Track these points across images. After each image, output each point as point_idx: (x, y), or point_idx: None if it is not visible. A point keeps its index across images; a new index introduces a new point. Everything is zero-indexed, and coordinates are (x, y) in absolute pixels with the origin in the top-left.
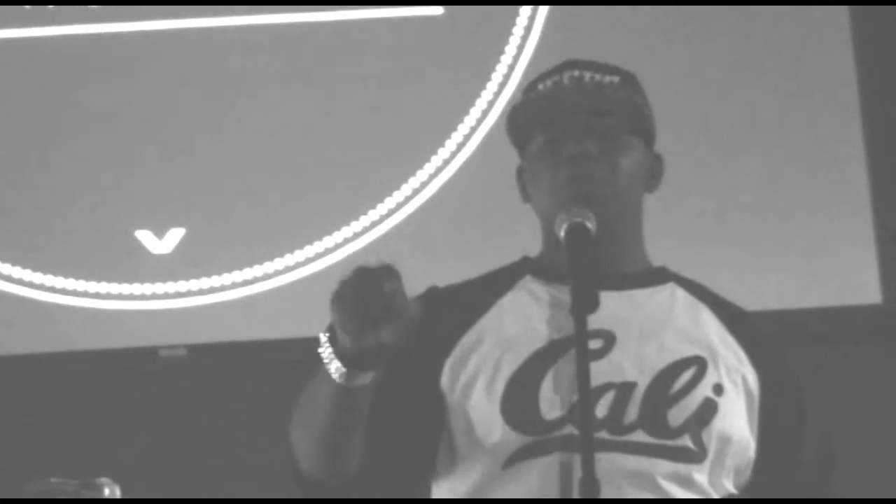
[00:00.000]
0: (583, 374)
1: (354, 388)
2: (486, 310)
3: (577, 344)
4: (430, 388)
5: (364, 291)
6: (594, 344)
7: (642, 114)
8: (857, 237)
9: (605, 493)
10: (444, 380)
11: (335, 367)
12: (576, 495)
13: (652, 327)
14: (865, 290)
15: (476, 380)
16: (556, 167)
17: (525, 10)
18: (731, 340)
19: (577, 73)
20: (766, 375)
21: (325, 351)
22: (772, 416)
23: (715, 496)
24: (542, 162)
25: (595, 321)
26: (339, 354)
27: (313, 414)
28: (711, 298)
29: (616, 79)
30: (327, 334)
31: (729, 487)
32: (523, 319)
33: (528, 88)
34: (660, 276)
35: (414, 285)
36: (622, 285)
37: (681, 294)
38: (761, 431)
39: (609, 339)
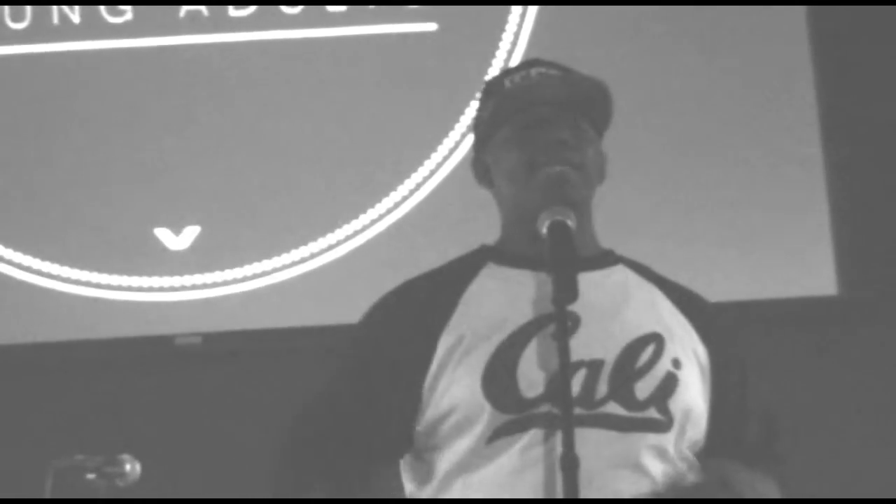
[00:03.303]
0: (564, 359)
1: None
2: (455, 305)
3: (558, 331)
4: (409, 391)
5: None
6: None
7: (604, 109)
8: (813, 230)
9: (587, 472)
10: (428, 380)
11: None
12: (557, 470)
13: (612, 307)
14: (821, 281)
15: (458, 368)
16: (535, 153)
17: (514, 18)
18: (681, 317)
19: (542, 69)
20: (715, 351)
21: None
22: (721, 389)
23: (681, 465)
24: (515, 148)
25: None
26: None
27: None
28: (657, 278)
29: (578, 76)
30: None
31: (689, 455)
32: (492, 307)
33: (494, 83)
34: (610, 259)
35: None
36: (580, 267)
37: (631, 275)
38: (712, 404)
39: (574, 320)
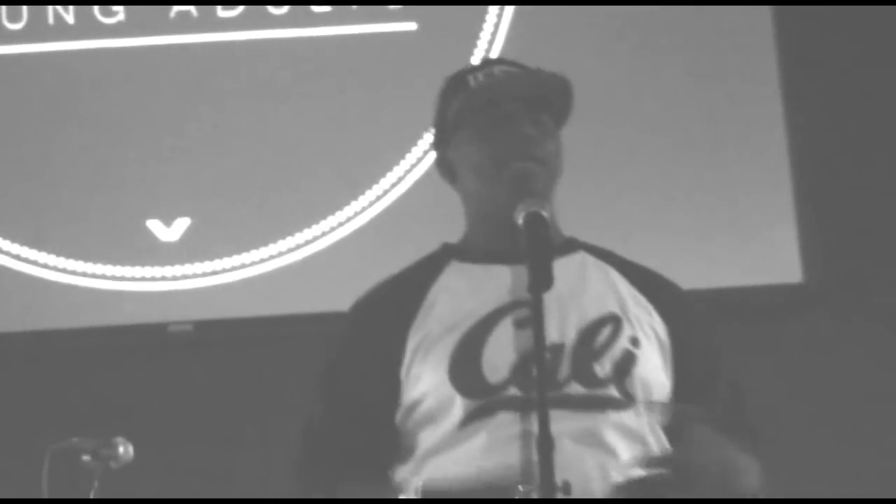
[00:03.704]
0: (539, 343)
1: None
2: (420, 305)
3: (535, 317)
4: (389, 384)
5: None
6: (523, 313)
7: (565, 104)
8: (778, 218)
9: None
10: (403, 372)
11: None
12: (528, 450)
13: (570, 292)
14: (787, 269)
15: (426, 361)
16: (500, 149)
17: (491, 17)
18: (639, 296)
19: (505, 67)
20: (675, 325)
21: None
22: (683, 361)
23: (651, 439)
24: (481, 144)
25: (522, 292)
26: None
27: None
28: (618, 260)
29: (541, 72)
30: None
31: (658, 429)
32: (456, 301)
33: (457, 81)
34: (570, 246)
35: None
36: None
37: (590, 260)
38: (676, 376)
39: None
